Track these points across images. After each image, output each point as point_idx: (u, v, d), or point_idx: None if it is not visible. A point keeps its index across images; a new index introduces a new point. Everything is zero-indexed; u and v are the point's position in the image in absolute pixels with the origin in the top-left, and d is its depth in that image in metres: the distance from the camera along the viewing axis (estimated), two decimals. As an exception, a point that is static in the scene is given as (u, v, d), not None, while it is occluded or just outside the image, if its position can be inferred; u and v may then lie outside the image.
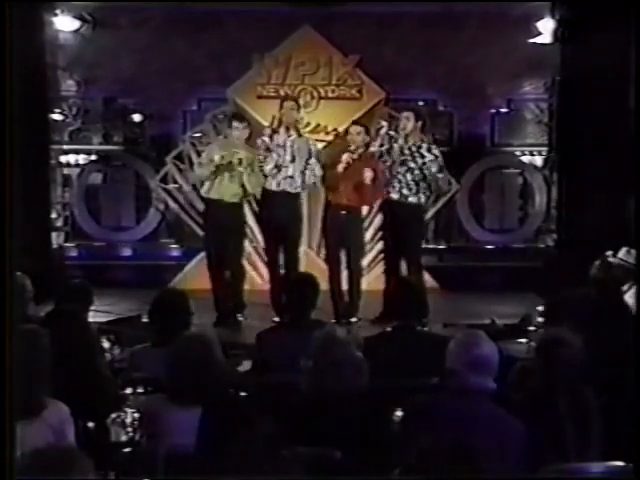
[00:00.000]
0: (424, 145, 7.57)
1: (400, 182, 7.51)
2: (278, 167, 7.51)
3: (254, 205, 8.49)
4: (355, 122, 7.79)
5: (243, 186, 7.48)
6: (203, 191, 7.70)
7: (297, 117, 7.71)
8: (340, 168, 7.41)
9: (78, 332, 4.23)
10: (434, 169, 7.51)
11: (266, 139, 7.58)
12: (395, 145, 7.60)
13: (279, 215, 7.57)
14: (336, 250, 7.68)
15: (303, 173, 7.54)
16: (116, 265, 9.99)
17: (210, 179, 7.49)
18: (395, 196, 7.54)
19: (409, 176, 7.48)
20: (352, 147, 7.51)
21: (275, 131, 7.63)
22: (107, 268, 9.80)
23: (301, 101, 9.03)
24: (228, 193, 7.47)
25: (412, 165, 7.48)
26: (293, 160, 7.52)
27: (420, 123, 7.59)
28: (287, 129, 7.56)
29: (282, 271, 7.70)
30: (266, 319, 7.28)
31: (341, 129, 9.00)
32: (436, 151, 7.59)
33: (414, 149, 7.51)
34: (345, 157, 7.44)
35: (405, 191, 7.50)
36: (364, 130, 7.60)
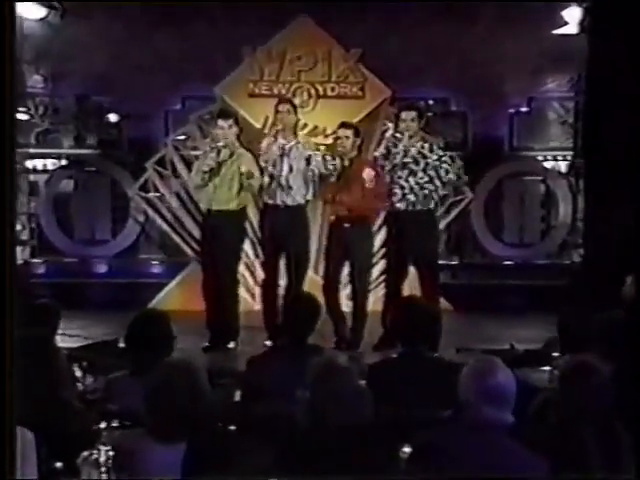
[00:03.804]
0: (426, 145, 7.56)
1: (403, 188, 7.51)
2: (276, 178, 7.55)
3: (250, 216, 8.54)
4: (343, 124, 7.73)
5: (238, 192, 7.54)
6: (202, 203, 7.87)
7: (293, 121, 7.75)
8: (333, 178, 7.45)
9: (45, 359, 4.23)
10: (441, 171, 7.49)
11: (270, 146, 7.61)
12: (394, 149, 7.61)
13: (281, 231, 7.62)
14: (337, 266, 7.70)
15: (304, 184, 7.58)
16: (89, 283, 10.01)
17: (202, 188, 7.60)
18: (401, 205, 7.54)
19: (412, 180, 7.48)
20: (340, 152, 7.54)
21: (275, 137, 7.66)
22: (79, 287, 9.82)
23: (297, 100, 9.08)
24: (220, 202, 7.57)
25: (414, 168, 7.48)
26: (292, 170, 7.55)
27: (423, 121, 7.60)
28: (284, 135, 7.60)
29: (281, 291, 7.75)
30: (258, 344, 7.29)
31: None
32: (439, 150, 7.58)
33: (414, 151, 7.50)
34: (334, 164, 7.48)
35: (411, 197, 7.49)
36: (353, 132, 7.60)
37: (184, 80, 9.98)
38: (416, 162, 7.49)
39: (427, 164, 7.48)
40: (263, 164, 7.56)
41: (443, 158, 7.52)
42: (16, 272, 3.39)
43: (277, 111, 7.70)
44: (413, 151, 7.50)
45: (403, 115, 7.57)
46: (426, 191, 7.49)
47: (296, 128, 7.84)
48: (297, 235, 7.68)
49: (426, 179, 7.47)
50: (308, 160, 7.59)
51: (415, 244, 7.52)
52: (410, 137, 7.53)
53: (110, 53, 9.87)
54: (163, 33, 9.81)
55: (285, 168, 7.56)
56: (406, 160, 7.51)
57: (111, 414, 4.08)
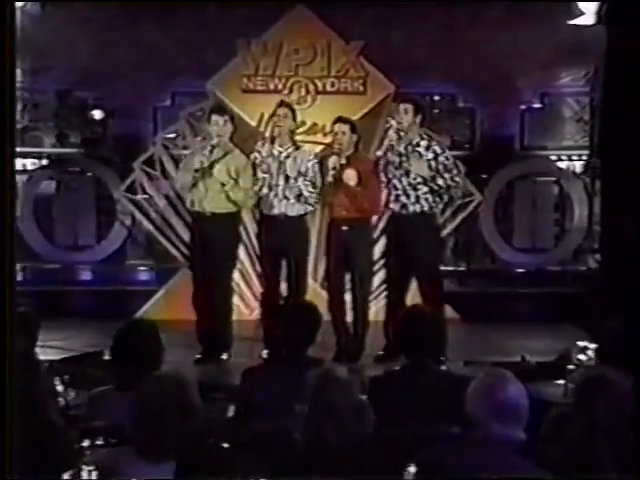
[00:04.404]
0: (422, 142, 7.54)
1: (397, 189, 7.51)
2: (274, 189, 7.58)
3: (245, 221, 8.55)
4: (339, 119, 7.75)
5: (231, 195, 7.54)
6: (188, 203, 7.82)
7: (290, 127, 7.77)
8: (330, 177, 7.46)
9: (24, 372, 4.22)
10: (433, 170, 7.43)
11: (263, 152, 7.65)
12: (391, 146, 7.61)
13: (280, 242, 7.64)
14: (338, 273, 7.71)
15: (301, 192, 7.59)
16: (72, 291, 9.98)
17: (192, 188, 7.56)
18: (395, 207, 7.55)
19: (405, 181, 7.47)
20: (336, 148, 7.55)
21: (272, 143, 7.71)
22: (61, 295, 9.80)
23: (294, 96, 9.10)
24: (213, 204, 7.55)
25: (407, 167, 7.46)
26: (289, 180, 7.57)
27: (420, 117, 7.58)
28: (280, 141, 7.65)
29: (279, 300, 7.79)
30: (253, 356, 7.29)
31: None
32: (437, 147, 7.53)
33: (410, 149, 7.49)
34: (331, 162, 7.48)
35: (403, 199, 7.48)
36: (349, 128, 7.62)
37: (174, 75, 9.96)
38: (409, 160, 7.46)
39: (420, 163, 7.43)
40: (261, 174, 7.59)
41: (439, 158, 7.46)
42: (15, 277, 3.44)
43: (274, 114, 7.75)
44: (409, 148, 7.49)
45: (399, 108, 7.58)
46: (419, 192, 7.46)
47: (293, 134, 7.85)
48: (297, 246, 7.72)
49: (419, 180, 7.44)
50: (306, 169, 7.61)
51: (410, 250, 7.49)
52: (404, 132, 7.52)
53: (94, 45, 9.85)
54: (152, 24, 9.80)
55: (282, 178, 7.59)
56: (401, 158, 7.50)
57: (95, 431, 4.07)
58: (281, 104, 7.91)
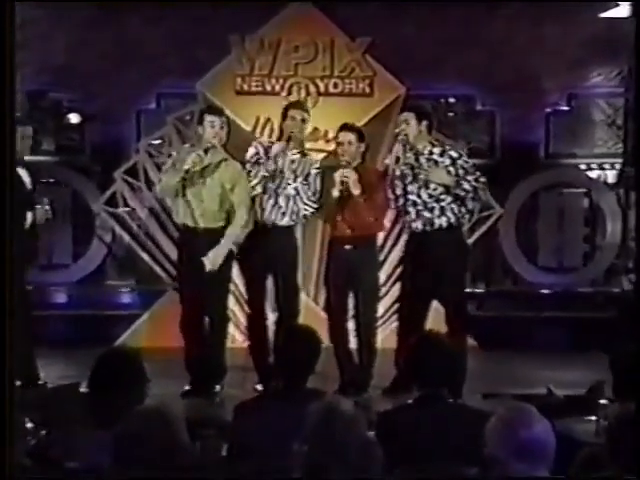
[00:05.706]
0: (435, 150, 7.54)
1: (416, 205, 7.48)
2: (268, 190, 7.57)
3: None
4: (344, 127, 7.71)
5: (226, 207, 7.52)
6: (175, 215, 7.81)
7: (304, 134, 7.78)
8: (335, 192, 7.43)
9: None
10: (453, 175, 7.42)
11: (261, 149, 7.65)
12: (403, 157, 7.61)
13: (267, 253, 7.63)
14: (341, 295, 7.70)
15: (296, 201, 7.59)
16: (45, 316, 9.94)
17: (178, 196, 7.52)
18: (417, 225, 7.51)
19: (424, 194, 7.46)
20: (344, 162, 7.54)
21: (275, 143, 7.71)
22: (33, 320, 9.76)
23: (293, 98, 9.12)
24: (207, 216, 7.53)
25: (425, 178, 7.44)
26: (290, 185, 7.58)
27: (425, 123, 7.57)
28: (288, 143, 7.64)
29: (271, 323, 7.79)
30: (247, 388, 7.29)
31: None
32: (452, 152, 7.51)
33: (423, 159, 7.49)
34: (338, 176, 7.45)
35: (426, 214, 7.47)
36: (356, 136, 7.61)
37: (160, 74, 9.98)
38: (425, 171, 7.44)
39: (439, 172, 7.42)
40: (258, 172, 7.58)
41: (458, 162, 7.45)
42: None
43: (287, 116, 7.67)
44: (422, 160, 7.48)
45: (399, 119, 7.59)
46: (443, 203, 7.45)
47: (304, 140, 7.87)
48: (285, 259, 7.70)
49: (440, 190, 7.43)
50: (307, 175, 7.62)
51: (436, 270, 7.45)
52: (413, 143, 7.50)
53: (71, 41, 9.88)
54: (135, 18, 9.82)
55: (280, 182, 7.58)
56: (415, 171, 7.49)
57: (70, 475, 4.07)
58: (294, 106, 7.87)
